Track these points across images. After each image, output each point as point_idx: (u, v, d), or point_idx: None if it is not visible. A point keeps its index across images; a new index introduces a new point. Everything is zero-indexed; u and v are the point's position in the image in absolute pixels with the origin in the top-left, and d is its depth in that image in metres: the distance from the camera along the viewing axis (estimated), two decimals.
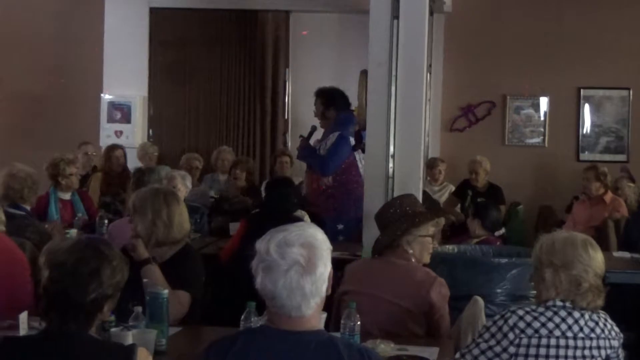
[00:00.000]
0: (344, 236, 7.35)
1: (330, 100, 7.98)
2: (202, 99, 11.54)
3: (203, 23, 11.48)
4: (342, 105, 8.02)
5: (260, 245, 2.81)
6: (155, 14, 11.36)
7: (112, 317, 3.77)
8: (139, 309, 3.85)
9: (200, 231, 7.71)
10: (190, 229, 4.94)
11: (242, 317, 3.89)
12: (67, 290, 2.95)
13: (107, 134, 11.26)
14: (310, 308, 2.78)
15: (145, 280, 4.33)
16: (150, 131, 11.55)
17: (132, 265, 4.31)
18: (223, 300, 5.61)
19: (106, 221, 7.12)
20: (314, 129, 8.11)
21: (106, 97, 11.38)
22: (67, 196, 7.68)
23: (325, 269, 2.80)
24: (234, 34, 11.53)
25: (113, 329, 3.74)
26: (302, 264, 2.75)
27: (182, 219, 4.73)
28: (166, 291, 4.06)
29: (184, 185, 7.42)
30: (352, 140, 7.83)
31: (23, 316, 3.91)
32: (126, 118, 11.34)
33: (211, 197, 9.07)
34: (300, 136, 8.16)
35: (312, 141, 8.04)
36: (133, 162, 10.00)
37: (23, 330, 3.88)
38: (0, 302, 4.33)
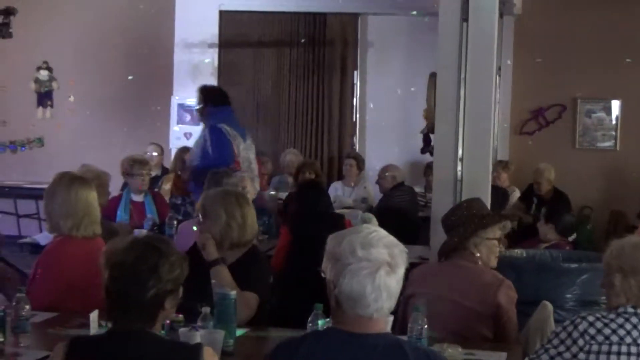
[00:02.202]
0: None
1: (207, 98, 8.16)
2: (270, 101, 11.60)
3: (272, 26, 11.53)
4: (218, 102, 8.15)
5: (339, 247, 2.79)
6: (225, 16, 11.45)
7: (181, 317, 3.80)
8: (207, 309, 3.88)
9: (268, 233, 7.75)
10: (258, 231, 4.96)
11: (309, 319, 3.89)
12: (127, 288, 2.98)
13: (177, 136, 11.38)
14: (390, 308, 2.78)
15: (213, 281, 4.36)
16: None
17: (201, 266, 4.39)
18: (283, 304, 5.63)
19: (175, 222, 7.19)
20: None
21: (176, 99, 11.50)
22: (139, 198, 7.76)
23: (403, 270, 2.80)
24: (302, 37, 11.56)
25: (181, 329, 3.77)
26: (390, 263, 2.75)
27: (253, 221, 4.75)
28: (234, 292, 4.08)
29: (252, 187, 7.45)
30: (226, 127, 7.91)
31: (94, 315, 3.96)
32: (195, 120, 11.41)
33: (279, 200, 9.10)
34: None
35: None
36: None
37: (93, 329, 3.93)
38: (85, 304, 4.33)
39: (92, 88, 11.75)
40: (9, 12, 9.14)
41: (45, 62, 12.04)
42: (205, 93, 8.26)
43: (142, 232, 6.86)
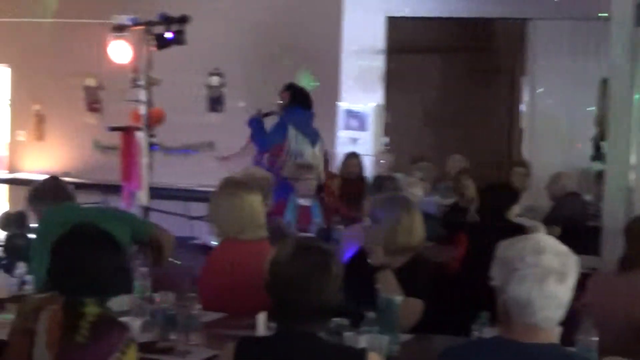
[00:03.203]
0: None
1: (295, 98, 8.78)
2: (436, 107, 11.55)
3: (439, 31, 11.50)
4: (303, 104, 8.79)
5: (508, 252, 2.76)
6: (392, 22, 11.47)
7: (345, 322, 3.83)
8: (372, 314, 3.89)
9: (432, 239, 7.70)
10: (424, 237, 4.94)
11: (474, 326, 3.85)
12: (295, 293, 3.00)
13: (343, 142, 11.47)
14: (558, 319, 2.73)
15: (379, 285, 4.37)
16: (386, 139, 11.66)
17: (367, 271, 4.41)
18: (450, 310, 5.57)
19: (341, 227, 7.23)
20: (272, 112, 8.97)
21: (342, 105, 11.59)
22: (306, 202, 7.86)
23: (574, 279, 2.74)
24: (469, 42, 11.49)
25: (346, 333, 3.79)
26: (559, 272, 2.70)
27: (419, 226, 4.74)
28: (399, 298, 4.08)
29: (415, 193, 7.43)
30: (292, 128, 8.58)
31: (261, 317, 4.03)
32: (362, 126, 11.51)
33: (445, 206, 9.05)
34: (260, 110, 8.95)
35: None
36: (369, 170, 10.14)
37: (261, 331, 4.00)
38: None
39: (260, 93, 11.96)
40: (183, 20, 9.40)
41: (217, 68, 12.35)
42: (295, 93, 8.89)
43: (306, 237, 6.94)
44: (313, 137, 8.77)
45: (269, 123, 8.96)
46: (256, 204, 4.92)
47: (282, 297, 3.03)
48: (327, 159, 9.20)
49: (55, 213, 5.22)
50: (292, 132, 8.61)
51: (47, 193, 5.43)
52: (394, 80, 11.56)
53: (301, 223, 7.66)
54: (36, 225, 5.53)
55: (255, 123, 8.89)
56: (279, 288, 3.04)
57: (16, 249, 6.73)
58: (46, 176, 5.69)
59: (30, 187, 5.57)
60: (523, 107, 11.50)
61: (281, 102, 8.93)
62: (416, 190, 7.52)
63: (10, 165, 13.81)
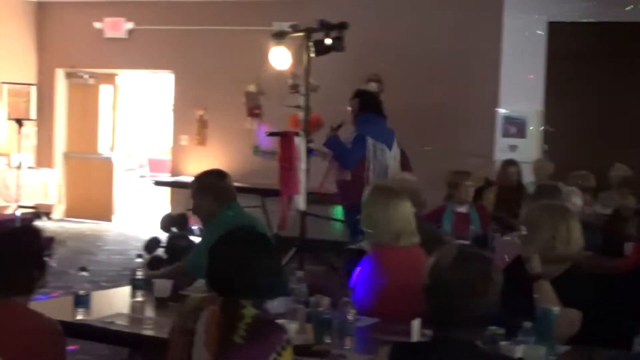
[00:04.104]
0: None
1: (364, 104, 8.86)
2: (599, 114, 11.28)
3: (602, 36, 11.22)
4: (374, 109, 8.81)
5: None
6: (554, 28, 11.28)
7: (502, 330, 3.79)
8: (529, 324, 3.84)
9: (591, 249, 7.51)
10: (582, 247, 4.83)
11: (636, 339, 3.75)
12: (456, 299, 2.97)
13: (501, 148, 11.34)
14: None
15: (536, 295, 4.30)
16: (546, 146, 11.46)
17: (524, 279, 4.35)
18: (610, 321, 5.43)
19: (498, 235, 7.15)
20: (343, 122, 9.07)
21: (501, 111, 11.46)
22: (463, 209, 7.82)
23: None
24: (633, 47, 11.16)
25: (502, 342, 3.75)
26: None
27: (578, 236, 4.64)
28: (557, 308, 4.01)
29: (575, 202, 7.28)
30: (370, 140, 8.67)
31: (416, 323, 4.03)
32: (521, 132, 11.35)
33: (605, 216, 8.82)
34: (331, 127, 8.98)
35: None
36: (528, 177, 9.99)
37: (415, 337, 4.00)
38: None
39: (419, 97, 11.94)
40: (342, 26, 9.50)
41: (375, 74, 12.38)
42: (363, 98, 9.02)
43: (464, 244, 6.89)
44: (389, 141, 8.85)
45: (342, 133, 9.06)
46: (406, 210, 4.94)
47: (442, 302, 3.01)
48: (407, 157, 9.11)
49: (235, 216, 5.33)
50: (370, 143, 8.67)
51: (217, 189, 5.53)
52: (554, 86, 11.36)
53: (458, 229, 7.62)
54: (201, 223, 5.57)
55: (334, 142, 8.90)
56: (440, 293, 3.01)
57: (178, 250, 6.93)
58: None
59: (197, 179, 5.64)
60: None
61: (350, 109, 8.98)
62: (575, 199, 7.37)
63: (173, 168, 14.25)
